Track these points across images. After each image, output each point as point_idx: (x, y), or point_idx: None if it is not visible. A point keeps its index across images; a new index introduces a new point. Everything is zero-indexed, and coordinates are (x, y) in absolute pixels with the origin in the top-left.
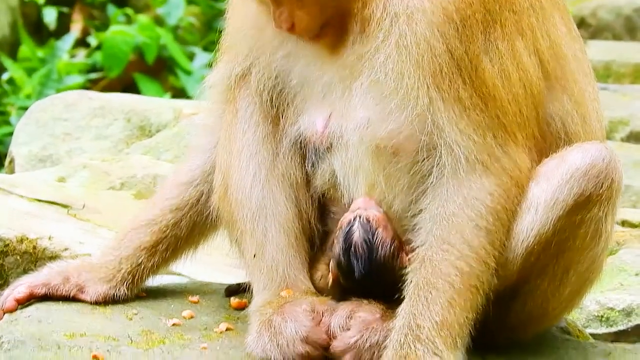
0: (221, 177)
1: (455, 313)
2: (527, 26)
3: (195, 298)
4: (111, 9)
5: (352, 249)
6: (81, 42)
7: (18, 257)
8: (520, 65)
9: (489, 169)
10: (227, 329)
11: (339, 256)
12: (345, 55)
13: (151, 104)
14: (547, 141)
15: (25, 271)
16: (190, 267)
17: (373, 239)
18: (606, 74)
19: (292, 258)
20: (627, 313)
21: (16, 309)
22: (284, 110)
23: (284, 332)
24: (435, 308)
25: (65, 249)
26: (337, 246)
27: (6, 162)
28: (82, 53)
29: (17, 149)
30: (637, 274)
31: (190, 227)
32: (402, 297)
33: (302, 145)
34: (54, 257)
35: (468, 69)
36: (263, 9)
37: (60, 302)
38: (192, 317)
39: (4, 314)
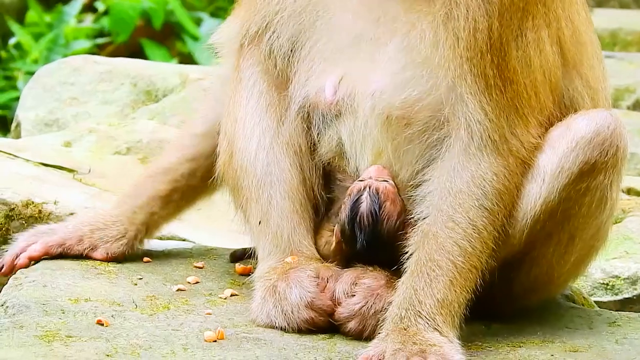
0: (226, 144)
1: (456, 292)
2: (554, 17)
3: (200, 264)
4: None
5: (358, 219)
6: (88, 7)
7: (23, 222)
8: (543, 53)
9: (498, 149)
10: (231, 295)
11: (345, 224)
12: (388, 12)
13: (157, 68)
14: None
15: None
16: (196, 233)
17: (379, 211)
18: (612, 42)
19: (296, 225)
20: (633, 281)
21: (29, 266)
22: (292, 75)
23: (288, 298)
24: (438, 286)
25: (71, 214)
26: (343, 213)
27: (12, 127)
28: (89, 18)
29: (23, 114)
30: None
31: (205, 177)
32: (403, 268)
33: (309, 112)
34: (59, 222)
35: (497, 51)
36: None
37: (65, 267)
38: (197, 282)
39: (17, 269)
